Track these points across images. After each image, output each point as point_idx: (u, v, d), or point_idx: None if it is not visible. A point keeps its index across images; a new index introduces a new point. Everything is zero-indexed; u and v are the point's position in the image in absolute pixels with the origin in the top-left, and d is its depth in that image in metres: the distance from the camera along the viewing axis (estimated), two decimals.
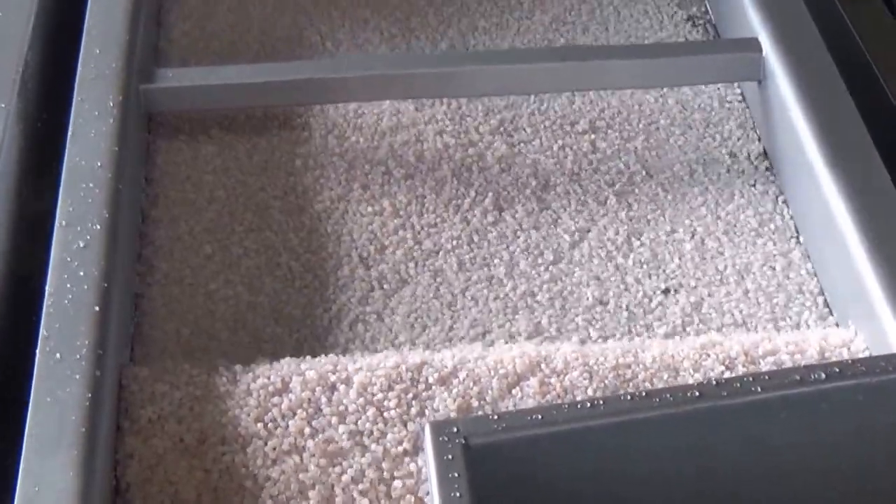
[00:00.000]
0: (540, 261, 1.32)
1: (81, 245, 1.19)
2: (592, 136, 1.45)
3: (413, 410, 1.12)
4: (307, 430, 1.10)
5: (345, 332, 1.25)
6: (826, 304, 1.27)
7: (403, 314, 1.27)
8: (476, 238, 1.34)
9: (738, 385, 1.03)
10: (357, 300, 1.28)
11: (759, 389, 1.03)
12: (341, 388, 1.13)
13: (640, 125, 1.47)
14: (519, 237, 1.34)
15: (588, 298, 1.28)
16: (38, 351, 1.10)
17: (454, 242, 1.34)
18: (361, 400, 1.12)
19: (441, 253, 1.33)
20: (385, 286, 1.29)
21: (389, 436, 1.10)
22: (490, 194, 1.38)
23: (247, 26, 1.59)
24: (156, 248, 1.32)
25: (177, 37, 1.57)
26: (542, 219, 1.36)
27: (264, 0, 1.63)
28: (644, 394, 1.03)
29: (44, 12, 1.49)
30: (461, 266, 1.31)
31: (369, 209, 1.37)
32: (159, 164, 1.41)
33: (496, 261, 1.32)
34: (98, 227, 1.21)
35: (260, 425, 1.11)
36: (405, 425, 1.11)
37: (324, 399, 1.12)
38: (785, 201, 1.37)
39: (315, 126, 1.46)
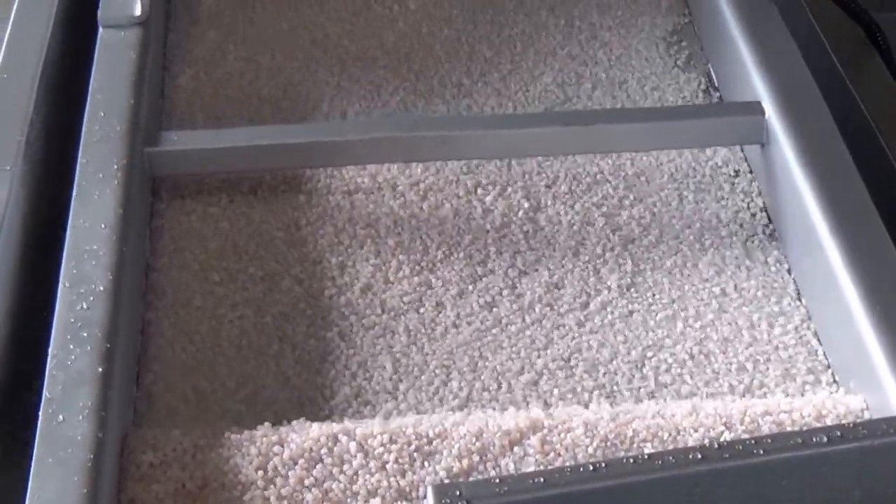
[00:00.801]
0: (541, 321, 1.35)
1: (85, 307, 1.22)
2: (593, 198, 1.49)
3: (415, 464, 1.15)
4: (307, 481, 1.14)
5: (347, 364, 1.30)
6: (828, 367, 1.30)
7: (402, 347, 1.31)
8: (475, 292, 1.38)
9: (740, 447, 1.06)
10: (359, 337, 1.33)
11: (760, 452, 1.06)
12: (343, 438, 1.17)
13: (641, 187, 1.50)
14: (518, 296, 1.38)
15: (588, 360, 1.31)
16: (40, 412, 1.13)
17: (454, 294, 1.37)
18: (362, 453, 1.16)
19: (440, 303, 1.37)
20: (388, 320, 1.34)
21: (390, 490, 1.13)
22: (491, 252, 1.42)
23: (253, 87, 1.64)
24: (162, 275, 1.38)
25: (180, 99, 1.62)
26: (543, 279, 1.40)
27: (271, 58, 1.68)
28: (646, 456, 1.06)
29: (49, 75, 1.54)
30: (461, 318, 1.35)
31: (372, 259, 1.41)
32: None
33: (495, 318, 1.35)
34: (102, 288, 1.24)
35: (261, 473, 1.14)
36: (405, 479, 1.14)
37: (325, 450, 1.16)
38: (787, 264, 1.41)
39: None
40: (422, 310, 1.36)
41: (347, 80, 1.65)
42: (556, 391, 1.28)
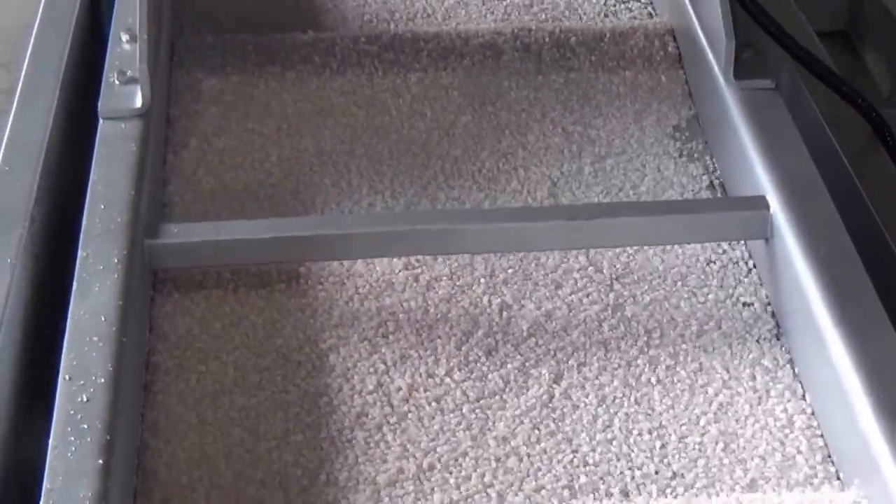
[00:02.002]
0: (541, 413, 1.41)
1: (85, 399, 1.29)
2: (594, 292, 1.55)
3: None
4: None
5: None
6: (832, 464, 1.36)
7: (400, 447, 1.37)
8: (478, 389, 1.44)
9: None
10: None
11: None
12: None
13: (643, 281, 1.57)
14: (519, 392, 1.44)
15: (592, 455, 1.37)
16: (41, 503, 1.19)
17: (456, 392, 1.43)
18: None
19: (442, 401, 1.43)
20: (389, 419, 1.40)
21: None
22: (493, 348, 1.48)
23: (252, 181, 1.71)
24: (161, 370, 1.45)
25: (179, 193, 1.70)
26: (545, 373, 1.46)
27: (267, 156, 1.75)
28: None
29: (49, 167, 1.62)
30: (462, 414, 1.41)
31: (376, 357, 1.47)
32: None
33: (495, 414, 1.41)
34: (102, 380, 1.31)
35: None
36: None
37: None
38: (791, 359, 1.47)
39: None
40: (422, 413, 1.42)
41: (351, 176, 1.73)
42: (558, 483, 1.33)
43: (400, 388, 1.44)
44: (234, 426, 1.40)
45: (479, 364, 1.47)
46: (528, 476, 1.35)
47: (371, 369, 1.46)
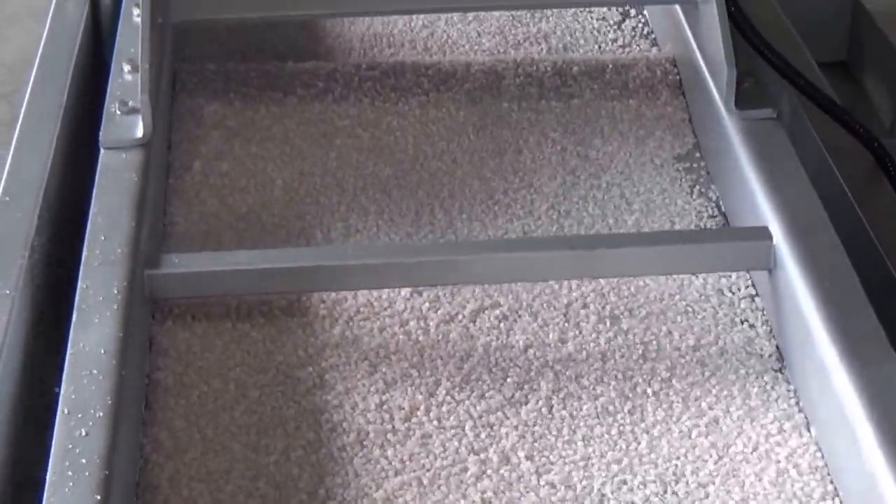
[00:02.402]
0: (545, 454, 1.40)
1: (83, 433, 1.28)
2: (594, 323, 1.55)
3: None
4: None
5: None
6: (838, 499, 1.35)
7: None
8: (479, 424, 1.43)
9: None
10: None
11: None
12: None
13: (644, 312, 1.56)
14: (521, 430, 1.42)
15: (598, 490, 1.36)
16: None
17: (455, 429, 1.42)
18: None
19: (444, 438, 1.42)
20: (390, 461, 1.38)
21: None
22: (495, 381, 1.47)
23: (253, 213, 1.70)
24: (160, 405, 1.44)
25: (180, 223, 1.69)
26: (546, 409, 1.45)
27: (271, 179, 1.75)
28: None
29: (50, 197, 1.61)
30: (463, 447, 1.40)
31: (376, 390, 1.46)
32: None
33: (497, 450, 1.40)
34: (101, 414, 1.30)
35: None
36: None
37: None
38: (796, 393, 1.46)
39: None
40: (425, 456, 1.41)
41: (354, 200, 1.72)
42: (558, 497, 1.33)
43: (402, 408, 1.44)
44: (234, 441, 1.40)
45: (479, 382, 1.47)
46: (529, 491, 1.35)
47: (372, 388, 1.46)
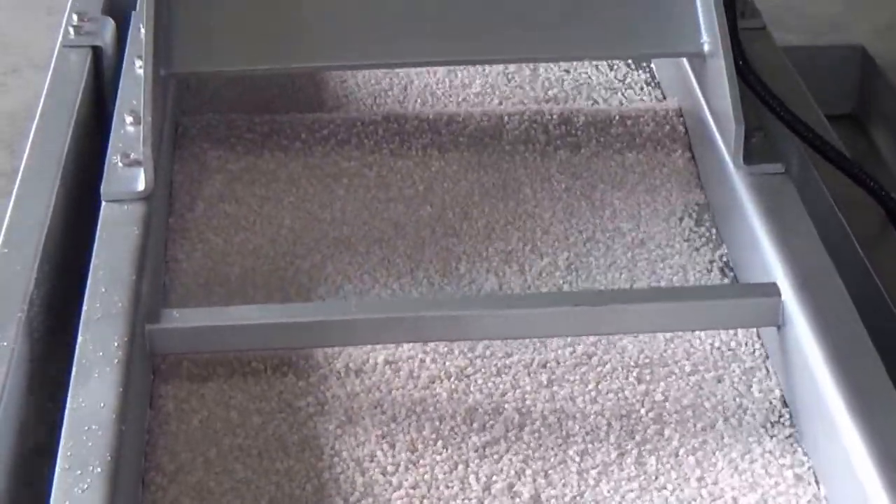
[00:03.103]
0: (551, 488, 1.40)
1: (83, 489, 1.27)
2: (602, 382, 1.54)
3: None
4: None
5: None
6: None
7: None
8: (480, 455, 1.44)
9: None
10: None
11: None
12: None
13: (651, 370, 1.56)
14: (523, 487, 1.42)
15: None
16: None
17: (459, 483, 1.42)
18: None
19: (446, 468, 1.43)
20: None
21: None
22: (502, 439, 1.47)
23: (257, 265, 1.71)
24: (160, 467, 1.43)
25: (183, 277, 1.69)
26: (552, 464, 1.44)
27: (274, 226, 1.76)
28: None
29: (50, 249, 1.62)
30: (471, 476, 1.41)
31: (379, 448, 1.46)
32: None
33: (500, 479, 1.41)
34: (100, 470, 1.29)
35: None
36: None
37: None
38: (805, 449, 1.45)
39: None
40: None
41: (356, 251, 1.73)
42: None
43: (406, 438, 1.45)
44: (236, 463, 1.42)
45: (492, 462, 1.45)
46: None
47: (374, 420, 1.47)
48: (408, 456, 1.43)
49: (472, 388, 1.53)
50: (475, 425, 1.48)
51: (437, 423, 1.48)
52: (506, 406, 1.51)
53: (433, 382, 1.53)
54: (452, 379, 1.54)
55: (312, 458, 1.43)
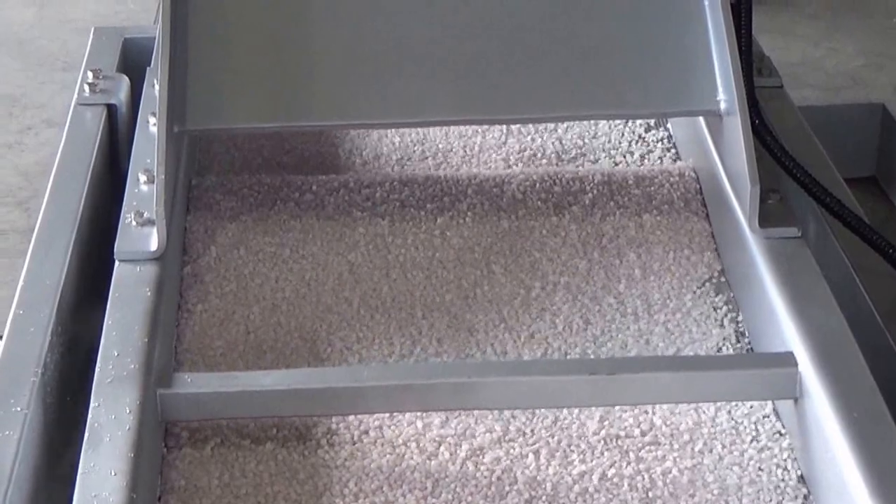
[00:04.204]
0: None
1: None
2: (616, 454, 1.54)
3: None
4: None
5: None
6: None
7: None
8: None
9: None
10: None
11: None
12: None
13: (667, 442, 1.55)
14: None
15: None
16: None
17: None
18: None
19: None
20: None
21: None
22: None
23: (269, 330, 1.72)
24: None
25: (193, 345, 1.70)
26: None
27: (284, 305, 1.76)
28: None
29: (63, 312, 1.63)
30: None
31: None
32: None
33: None
34: None
35: None
36: None
37: None
38: None
39: None
40: None
41: (362, 318, 1.74)
42: None
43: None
44: (246, 487, 1.47)
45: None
46: None
47: (378, 455, 1.50)
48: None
49: (480, 458, 1.53)
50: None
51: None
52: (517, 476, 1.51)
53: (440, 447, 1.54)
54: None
55: None
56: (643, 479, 1.50)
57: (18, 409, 1.47)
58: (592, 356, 1.68)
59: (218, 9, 1.86)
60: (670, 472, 1.51)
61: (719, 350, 1.69)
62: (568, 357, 1.67)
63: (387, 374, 1.60)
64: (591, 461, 1.53)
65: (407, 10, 1.88)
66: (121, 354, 1.53)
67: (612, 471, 1.51)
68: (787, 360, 1.54)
